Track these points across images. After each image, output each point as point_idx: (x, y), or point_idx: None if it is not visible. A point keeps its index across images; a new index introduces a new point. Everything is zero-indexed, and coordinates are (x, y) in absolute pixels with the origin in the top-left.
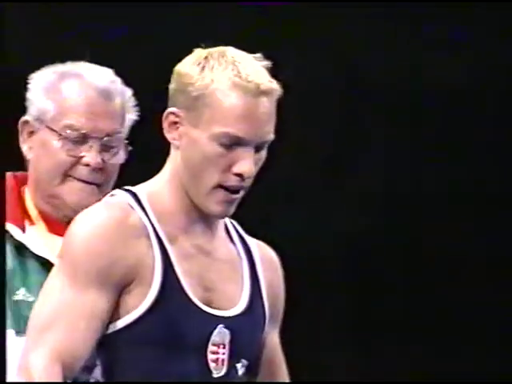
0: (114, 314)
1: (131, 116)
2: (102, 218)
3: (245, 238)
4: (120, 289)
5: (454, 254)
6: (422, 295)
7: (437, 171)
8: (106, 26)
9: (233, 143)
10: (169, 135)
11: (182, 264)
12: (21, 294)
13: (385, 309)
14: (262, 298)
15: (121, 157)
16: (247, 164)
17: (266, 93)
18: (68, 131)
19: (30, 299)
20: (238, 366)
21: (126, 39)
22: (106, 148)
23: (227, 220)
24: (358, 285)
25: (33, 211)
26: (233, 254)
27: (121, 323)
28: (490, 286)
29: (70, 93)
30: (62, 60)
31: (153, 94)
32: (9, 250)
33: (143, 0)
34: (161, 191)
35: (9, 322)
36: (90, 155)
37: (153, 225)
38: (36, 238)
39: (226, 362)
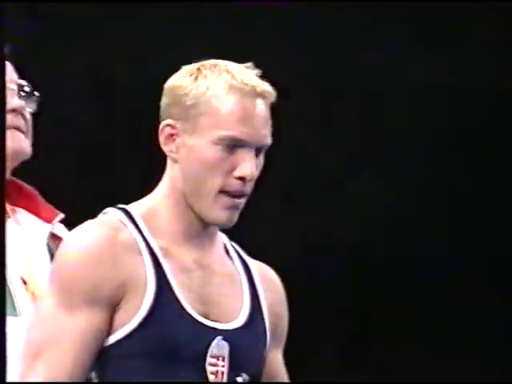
0: (107, 329)
1: None
2: (89, 237)
3: (244, 259)
4: (112, 306)
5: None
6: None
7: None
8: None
9: (234, 146)
10: (166, 148)
11: (179, 278)
12: None
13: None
14: (262, 314)
15: None
16: (249, 166)
17: (262, 95)
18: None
19: None
20: (239, 379)
21: None
22: None
23: (227, 241)
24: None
25: None
26: (232, 271)
27: (113, 338)
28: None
29: None
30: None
31: None
32: None
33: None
34: (157, 207)
35: None
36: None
37: (146, 240)
38: None
39: (225, 375)
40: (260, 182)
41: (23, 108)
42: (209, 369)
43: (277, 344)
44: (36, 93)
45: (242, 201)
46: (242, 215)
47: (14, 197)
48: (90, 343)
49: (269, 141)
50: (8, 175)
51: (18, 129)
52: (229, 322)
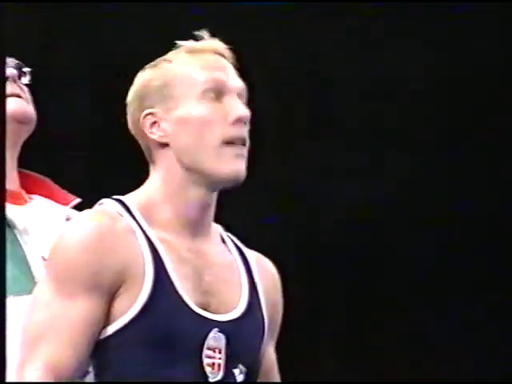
0: (105, 319)
1: None
2: (87, 226)
3: (241, 249)
4: (110, 295)
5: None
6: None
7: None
8: None
9: (217, 96)
10: (154, 136)
11: (177, 268)
12: None
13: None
14: (260, 304)
15: None
16: (239, 107)
17: (222, 54)
18: None
19: None
20: (236, 371)
21: None
22: None
23: (222, 231)
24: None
25: None
26: (229, 260)
27: (111, 328)
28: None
29: None
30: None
31: None
32: None
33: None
34: (153, 198)
35: None
36: None
37: (143, 230)
38: None
39: (222, 367)
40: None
41: (15, 76)
42: (205, 361)
43: (270, 336)
44: (25, 66)
45: (245, 150)
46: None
47: (28, 186)
48: (89, 330)
49: (244, 85)
50: (15, 151)
51: (17, 95)
52: (227, 312)
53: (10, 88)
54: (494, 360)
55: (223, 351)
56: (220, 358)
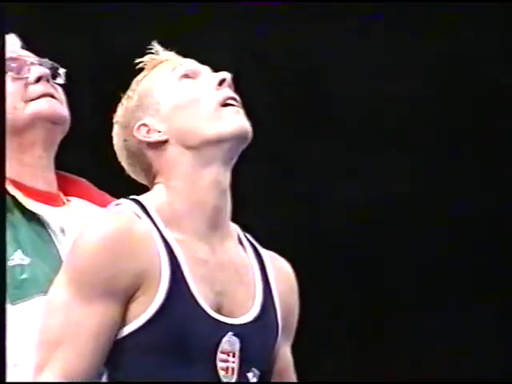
0: (123, 320)
1: None
2: (105, 229)
3: (258, 249)
4: (127, 298)
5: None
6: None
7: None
8: None
9: (194, 75)
10: (151, 140)
11: (193, 269)
12: (17, 258)
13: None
14: (274, 306)
15: None
16: (218, 73)
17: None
18: None
19: (25, 262)
20: (250, 375)
21: None
22: None
23: (240, 231)
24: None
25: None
26: (245, 261)
27: (127, 330)
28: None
29: None
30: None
31: None
32: None
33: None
34: (167, 197)
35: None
36: None
37: (160, 232)
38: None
39: (236, 371)
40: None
41: (48, 76)
42: (219, 365)
43: (286, 338)
44: (59, 67)
45: (240, 107)
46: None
47: (66, 187)
48: (106, 333)
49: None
50: (51, 152)
51: (47, 95)
52: (241, 315)
53: (43, 88)
54: (494, 360)
55: (237, 355)
56: (234, 362)
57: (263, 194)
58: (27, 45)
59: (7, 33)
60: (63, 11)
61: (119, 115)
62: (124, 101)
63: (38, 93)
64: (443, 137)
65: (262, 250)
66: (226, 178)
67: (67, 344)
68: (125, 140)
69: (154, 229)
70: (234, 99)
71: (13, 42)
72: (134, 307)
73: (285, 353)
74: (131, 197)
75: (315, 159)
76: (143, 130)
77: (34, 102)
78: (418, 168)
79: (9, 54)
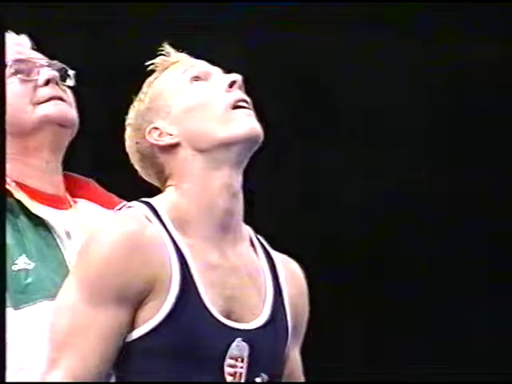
0: (133, 324)
1: None
2: (117, 233)
3: (269, 252)
4: (138, 303)
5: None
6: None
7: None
8: None
9: (205, 77)
10: (163, 143)
11: (204, 274)
12: (21, 263)
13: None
14: (284, 310)
15: None
16: (229, 74)
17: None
18: None
19: (30, 266)
20: (258, 380)
21: None
22: None
23: (252, 234)
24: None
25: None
26: (256, 265)
27: (136, 333)
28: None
29: None
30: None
31: None
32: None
33: None
34: (178, 200)
35: (7, 299)
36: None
37: (171, 236)
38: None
39: (244, 376)
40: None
41: (57, 78)
42: (227, 370)
43: (295, 340)
44: (69, 69)
45: (251, 109)
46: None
47: (72, 189)
48: (115, 337)
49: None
50: (59, 155)
51: (57, 98)
52: (250, 320)
53: (51, 90)
54: (495, 359)
55: (245, 360)
56: (242, 367)
57: (269, 195)
58: (37, 46)
59: (17, 34)
60: (66, 11)
61: (131, 117)
62: (135, 103)
63: (47, 96)
64: (443, 137)
65: (273, 253)
66: (237, 180)
67: (75, 348)
68: (137, 143)
69: (165, 233)
70: (245, 101)
71: (23, 43)
72: (143, 312)
73: (294, 356)
74: (143, 199)
75: (315, 159)
76: (155, 133)
77: (42, 105)
78: (418, 168)
79: (18, 55)
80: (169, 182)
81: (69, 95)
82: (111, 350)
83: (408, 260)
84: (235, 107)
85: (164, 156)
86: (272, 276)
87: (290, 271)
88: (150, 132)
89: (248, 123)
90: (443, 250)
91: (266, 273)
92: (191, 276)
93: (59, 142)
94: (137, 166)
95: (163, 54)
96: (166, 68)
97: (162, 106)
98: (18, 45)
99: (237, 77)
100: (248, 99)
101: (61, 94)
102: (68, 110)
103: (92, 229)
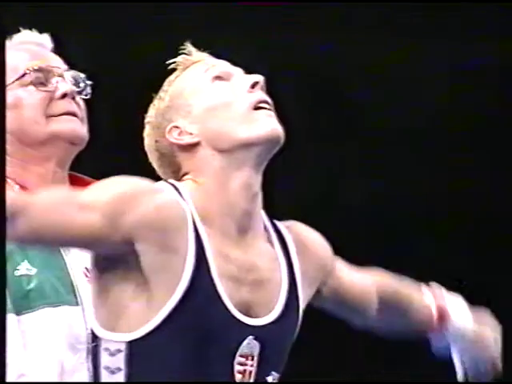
0: (139, 316)
1: None
2: (146, 183)
3: (281, 231)
4: (123, 240)
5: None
6: None
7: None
8: None
9: (226, 77)
10: (183, 141)
11: (220, 265)
12: (23, 269)
13: None
14: (298, 301)
15: None
16: (251, 75)
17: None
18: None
19: (32, 272)
20: (269, 378)
21: None
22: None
23: (265, 218)
24: None
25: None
26: (272, 253)
27: (145, 329)
28: None
29: None
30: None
31: None
32: None
33: None
34: (199, 193)
35: (9, 304)
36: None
37: (194, 223)
38: None
39: (253, 374)
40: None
41: (74, 92)
42: (236, 368)
43: (334, 272)
44: (88, 80)
45: (272, 110)
46: None
47: (77, 190)
48: (76, 233)
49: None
50: (66, 166)
51: (70, 114)
52: (264, 314)
53: (66, 105)
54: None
55: (256, 358)
56: (252, 366)
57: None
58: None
59: (40, 32)
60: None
61: (151, 116)
62: (156, 101)
63: (61, 110)
64: (444, 137)
65: (283, 230)
66: (257, 181)
67: (42, 206)
68: (156, 141)
69: (190, 216)
70: (267, 102)
71: (45, 43)
72: (159, 291)
73: (346, 277)
74: (169, 180)
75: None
76: (175, 132)
77: (55, 119)
78: (418, 168)
79: (37, 62)
80: (186, 177)
81: (82, 109)
82: (70, 234)
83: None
84: (257, 108)
85: (183, 155)
86: (287, 264)
87: (301, 242)
88: (170, 131)
89: (269, 124)
90: (443, 249)
91: (282, 263)
92: (207, 265)
93: (67, 157)
94: (154, 164)
95: (185, 53)
96: (187, 67)
97: (183, 105)
98: (39, 45)
99: (259, 77)
100: (269, 100)
101: (75, 108)
102: (79, 127)
103: None
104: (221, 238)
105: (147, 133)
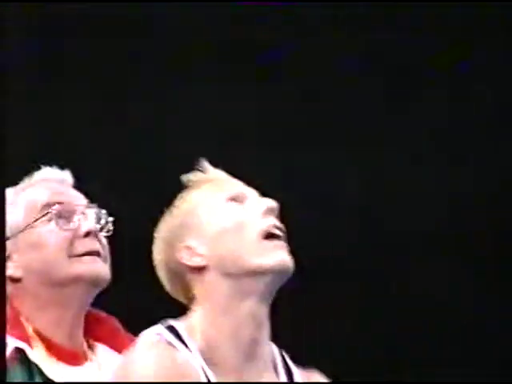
0: None
1: None
2: (151, 361)
3: (291, 368)
4: None
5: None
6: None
7: None
8: None
9: (240, 200)
10: (192, 264)
11: None
12: None
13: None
14: None
15: None
16: (265, 199)
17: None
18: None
19: None
20: None
21: None
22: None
23: (276, 351)
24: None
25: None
26: None
27: None
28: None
29: None
30: None
31: None
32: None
33: None
34: (205, 328)
35: None
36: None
37: (200, 365)
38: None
39: None
40: None
41: (97, 231)
42: None
43: None
44: (110, 217)
45: (283, 238)
46: None
47: (95, 329)
48: None
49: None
50: (86, 308)
51: (93, 253)
52: None
53: (90, 244)
54: (495, 359)
55: None
56: None
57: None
58: None
59: (61, 168)
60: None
61: (162, 231)
62: (167, 217)
63: (85, 249)
64: (443, 138)
65: (294, 370)
66: (263, 311)
67: None
68: (166, 258)
69: (194, 360)
70: (279, 229)
71: (66, 179)
72: None
73: None
74: (168, 322)
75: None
76: (186, 252)
77: (78, 259)
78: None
79: (58, 197)
80: (194, 305)
81: (105, 246)
82: None
83: (408, 260)
84: (268, 236)
85: (191, 275)
86: None
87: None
88: (181, 250)
89: (279, 256)
90: (443, 249)
91: None
92: None
93: (89, 299)
94: (163, 279)
95: (199, 170)
96: (201, 184)
97: (195, 224)
98: (60, 182)
99: (272, 203)
100: (282, 226)
101: (98, 247)
102: (103, 267)
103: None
104: (227, 374)
105: (158, 247)
